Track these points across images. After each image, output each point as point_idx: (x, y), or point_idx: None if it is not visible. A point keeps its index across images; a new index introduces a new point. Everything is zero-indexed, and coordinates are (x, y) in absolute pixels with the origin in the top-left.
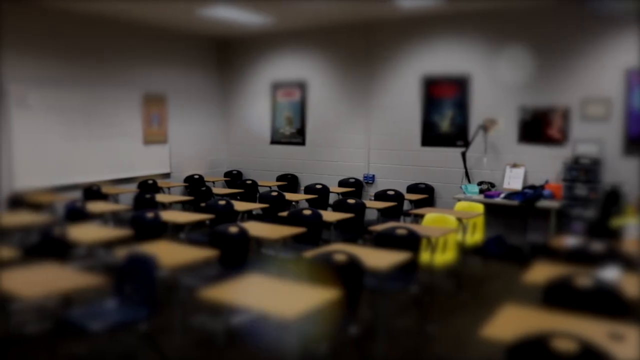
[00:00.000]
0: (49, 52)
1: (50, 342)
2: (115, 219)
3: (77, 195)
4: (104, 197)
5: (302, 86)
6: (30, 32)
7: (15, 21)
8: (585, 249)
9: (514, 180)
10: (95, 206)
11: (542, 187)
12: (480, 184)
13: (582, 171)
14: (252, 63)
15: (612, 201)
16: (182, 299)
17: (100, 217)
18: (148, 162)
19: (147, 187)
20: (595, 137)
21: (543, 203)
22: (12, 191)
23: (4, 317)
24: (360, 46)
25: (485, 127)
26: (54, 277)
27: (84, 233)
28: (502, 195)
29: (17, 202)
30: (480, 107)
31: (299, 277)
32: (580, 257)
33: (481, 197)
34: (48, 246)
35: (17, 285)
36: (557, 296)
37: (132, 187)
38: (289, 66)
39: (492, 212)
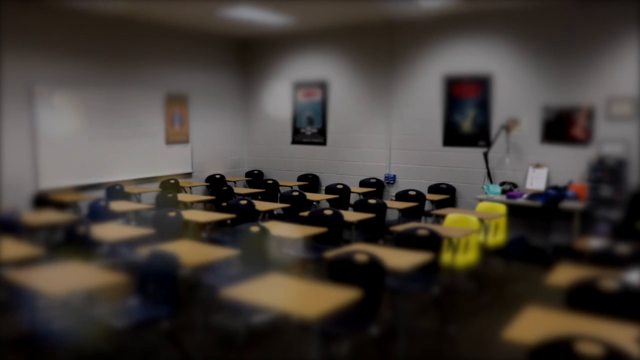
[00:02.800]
0: (73, 53)
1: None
2: (137, 218)
3: (100, 194)
4: (126, 196)
5: (323, 86)
6: (55, 34)
7: (40, 23)
8: (610, 251)
9: (536, 181)
10: (118, 205)
11: (565, 187)
12: (502, 184)
13: (607, 172)
14: (274, 63)
15: (638, 202)
16: (203, 297)
17: (123, 216)
18: (170, 161)
19: (169, 187)
20: (621, 137)
21: (566, 204)
22: (37, 190)
23: (30, 313)
24: (382, 46)
25: (507, 127)
26: (78, 274)
27: (107, 232)
28: (525, 196)
29: (42, 201)
30: (502, 106)
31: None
32: (605, 260)
33: (503, 197)
34: (72, 244)
35: (43, 282)
36: (581, 299)
37: (155, 187)
38: (310, 66)
39: (515, 213)
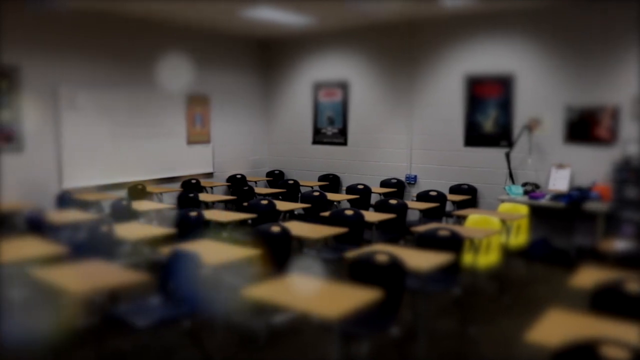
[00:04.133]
0: (97, 54)
1: (97, 337)
2: (159, 217)
3: (122, 194)
4: (148, 196)
5: (344, 86)
6: (79, 36)
7: (65, 25)
8: (635, 252)
9: (559, 182)
10: (140, 205)
11: (589, 188)
12: (524, 185)
13: (633, 172)
14: (294, 63)
15: None
16: (224, 297)
17: (145, 216)
18: (191, 161)
19: (191, 187)
20: None
21: (590, 205)
22: (61, 190)
23: (54, 311)
24: (403, 46)
25: (529, 127)
26: (100, 273)
27: (129, 231)
28: (547, 197)
29: (66, 200)
30: (524, 106)
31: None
32: (630, 262)
33: (525, 198)
34: (95, 243)
35: (66, 281)
36: (606, 301)
37: (176, 187)
38: (330, 66)
39: (537, 214)
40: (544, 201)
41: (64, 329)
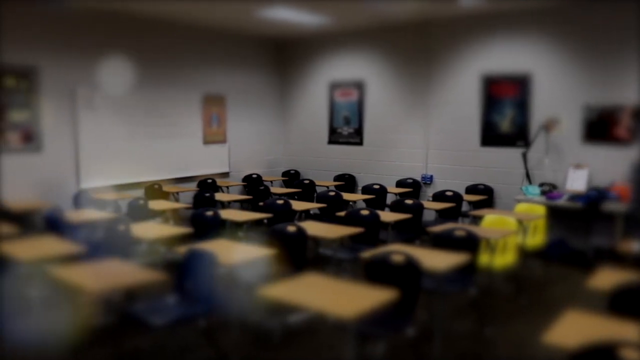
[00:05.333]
0: (114, 55)
1: (115, 335)
2: (175, 217)
3: (139, 193)
4: (165, 195)
5: (359, 86)
6: (96, 36)
7: (82, 26)
8: None
9: (577, 182)
10: (156, 204)
11: (607, 189)
12: (541, 185)
13: None
14: (310, 63)
15: None
16: (240, 296)
17: (161, 215)
18: (208, 161)
19: (207, 186)
20: None
21: (608, 206)
22: (78, 189)
23: (72, 309)
24: (419, 45)
25: (547, 127)
26: (117, 272)
27: (145, 230)
28: (565, 197)
29: (83, 199)
30: (541, 106)
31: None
32: None
33: (542, 198)
34: (112, 242)
35: (84, 280)
36: (625, 303)
37: (192, 186)
38: (346, 66)
39: (554, 214)
40: (562, 201)
41: (82, 327)
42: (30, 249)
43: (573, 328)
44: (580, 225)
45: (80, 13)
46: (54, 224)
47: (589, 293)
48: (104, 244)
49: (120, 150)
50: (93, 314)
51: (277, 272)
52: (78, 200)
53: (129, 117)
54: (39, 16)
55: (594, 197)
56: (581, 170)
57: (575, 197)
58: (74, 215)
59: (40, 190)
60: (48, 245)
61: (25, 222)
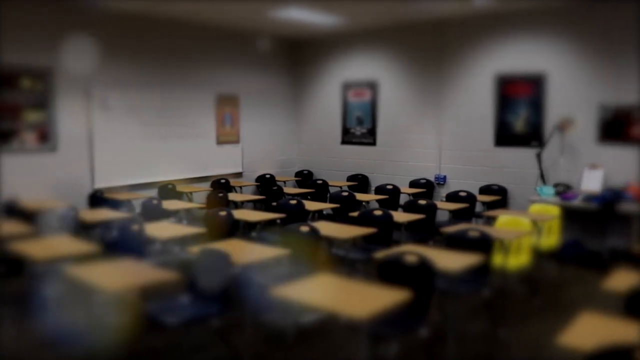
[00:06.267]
0: (128, 55)
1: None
2: (189, 216)
3: (153, 193)
4: (178, 195)
5: (373, 86)
6: (110, 36)
7: (97, 26)
8: None
9: (592, 182)
10: (170, 204)
11: (622, 189)
12: (556, 185)
13: None
14: (323, 63)
15: None
16: (253, 296)
17: (175, 215)
18: (221, 161)
19: (220, 186)
20: None
21: (624, 206)
22: (93, 189)
23: (87, 308)
24: (432, 45)
25: (561, 127)
26: (131, 271)
27: (159, 230)
28: (580, 198)
29: (98, 199)
30: (556, 106)
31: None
32: None
33: (557, 199)
34: (126, 242)
35: (99, 278)
36: None
37: (206, 186)
38: (359, 66)
39: (569, 215)
40: (576, 202)
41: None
42: (45, 249)
43: (588, 330)
44: (596, 226)
45: (95, 13)
46: (70, 224)
47: (605, 295)
48: (118, 243)
49: (134, 150)
50: (108, 313)
51: (290, 272)
52: (93, 199)
53: (143, 117)
54: (56, 17)
55: (610, 198)
56: (596, 171)
57: (590, 197)
58: (88, 215)
59: (55, 190)
60: (64, 245)
61: (40, 221)
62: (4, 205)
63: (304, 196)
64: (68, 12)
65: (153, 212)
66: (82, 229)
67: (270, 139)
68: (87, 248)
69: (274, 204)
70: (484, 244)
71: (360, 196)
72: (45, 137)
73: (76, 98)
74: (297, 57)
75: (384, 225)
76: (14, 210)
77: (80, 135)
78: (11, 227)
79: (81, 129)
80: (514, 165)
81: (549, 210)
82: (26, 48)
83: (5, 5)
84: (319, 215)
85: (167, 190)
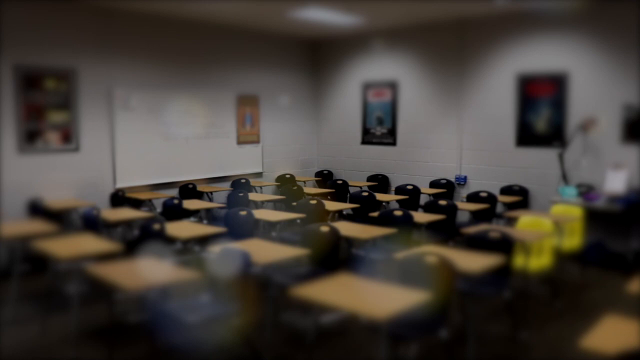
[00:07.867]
0: (150, 56)
1: (149, 332)
2: (209, 216)
3: (174, 193)
4: (199, 195)
5: (393, 86)
6: (132, 37)
7: (119, 27)
8: None
9: (615, 183)
10: (190, 204)
11: None
12: (578, 186)
13: None
14: (343, 63)
15: None
16: (273, 295)
17: (196, 214)
18: (241, 161)
19: (240, 186)
20: None
21: None
22: (115, 188)
23: (108, 306)
24: (453, 45)
25: (584, 127)
26: (152, 270)
27: (180, 229)
28: (603, 199)
29: (119, 199)
30: (579, 105)
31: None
32: None
33: (579, 200)
34: (147, 241)
35: (120, 277)
36: None
37: (226, 186)
38: (379, 66)
39: (592, 216)
40: (599, 203)
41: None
42: (68, 247)
43: (612, 333)
44: (619, 227)
45: (118, 14)
46: (92, 223)
47: (629, 298)
48: (139, 242)
49: (155, 150)
50: (128, 311)
51: (309, 272)
52: (114, 199)
53: (164, 118)
54: (79, 18)
55: (634, 199)
56: (620, 171)
57: (613, 199)
58: (110, 214)
59: (78, 189)
60: (86, 243)
61: (63, 220)
62: (29, 204)
63: (324, 196)
64: (91, 13)
65: (174, 212)
66: (104, 227)
67: (290, 139)
68: (109, 247)
69: (294, 203)
70: (505, 245)
71: (380, 196)
72: (69, 137)
73: (99, 99)
74: (317, 57)
75: (404, 225)
76: (38, 210)
77: (102, 136)
78: (35, 225)
79: (103, 130)
80: (535, 165)
81: (571, 211)
82: (50, 49)
83: (30, 7)
84: (339, 215)
85: (188, 189)
